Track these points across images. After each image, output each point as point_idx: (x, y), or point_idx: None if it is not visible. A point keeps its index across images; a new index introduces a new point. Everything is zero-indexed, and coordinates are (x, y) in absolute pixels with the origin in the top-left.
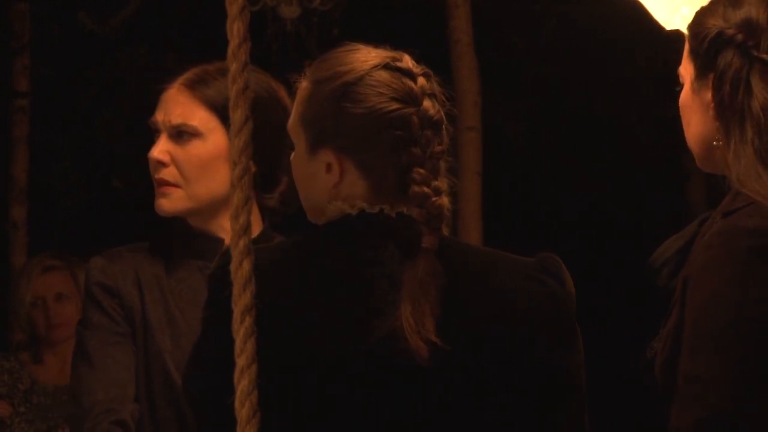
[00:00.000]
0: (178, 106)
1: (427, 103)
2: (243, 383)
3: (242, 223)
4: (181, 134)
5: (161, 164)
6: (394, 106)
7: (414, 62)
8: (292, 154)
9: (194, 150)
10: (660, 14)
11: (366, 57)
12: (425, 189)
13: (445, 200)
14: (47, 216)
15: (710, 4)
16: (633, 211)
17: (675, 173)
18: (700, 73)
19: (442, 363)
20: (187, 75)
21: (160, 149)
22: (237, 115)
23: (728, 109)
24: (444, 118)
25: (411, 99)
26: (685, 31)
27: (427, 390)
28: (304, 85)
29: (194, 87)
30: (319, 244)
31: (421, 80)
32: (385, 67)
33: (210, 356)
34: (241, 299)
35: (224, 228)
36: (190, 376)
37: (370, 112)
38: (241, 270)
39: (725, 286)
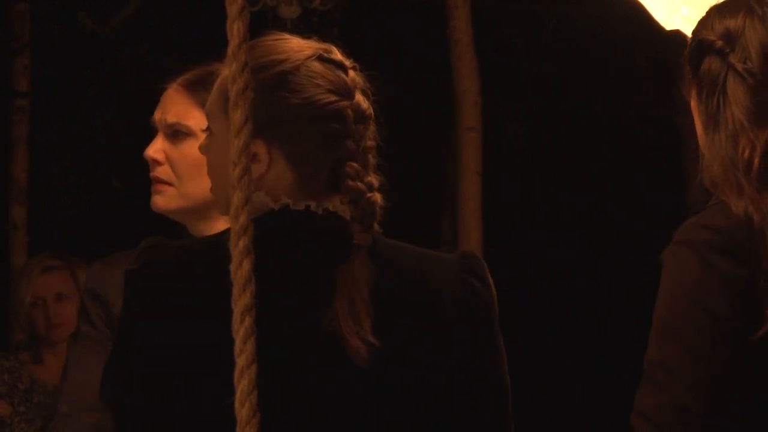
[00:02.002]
0: (175, 105)
1: (359, 97)
2: (243, 383)
3: (242, 223)
4: (177, 133)
5: (156, 162)
6: (331, 98)
7: (343, 55)
8: (205, 141)
9: (188, 149)
10: (660, 14)
11: (300, 47)
12: (359, 184)
13: (377, 196)
14: (47, 216)
15: (706, 15)
16: (633, 211)
17: (675, 173)
18: (691, 80)
19: (379, 363)
20: (186, 75)
21: (156, 148)
22: (237, 115)
23: (704, 114)
24: (373, 113)
25: (345, 92)
26: (684, 30)
27: (365, 390)
28: (226, 72)
29: (191, 87)
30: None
31: (351, 73)
32: (319, 58)
33: (132, 373)
34: (241, 299)
35: (217, 229)
36: (112, 392)
37: (307, 103)
38: (240, 270)
39: (684, 276)
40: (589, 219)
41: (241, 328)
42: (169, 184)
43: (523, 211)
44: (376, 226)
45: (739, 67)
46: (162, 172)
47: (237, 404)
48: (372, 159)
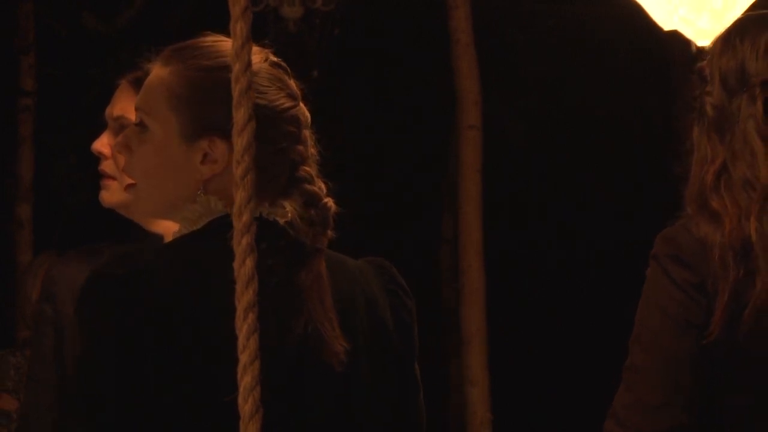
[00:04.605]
0: (121, 101)
1: (302, 103)
2: (246, 379)
3: (245, 222)
4: (122, 127)
5: (102, 155)
6: (290, 103)
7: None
8: (133, 135)
9: None
10: (658, 15)
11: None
12: (314, 188)
13: (331, 201)
14: (52, 214)
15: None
16: (630, 211)
17: (670, 171)
18: None
19: (348, 364)
20: (136, 72)
21: (102, 142)
22: (239, 115)
23: (691, 136)
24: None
25: (296, 97)
26: (682, 31)
27: (339, 389)
28: (171, 69)
29: (138, 84)
30: (202, 245)
31: (293, 80)
32: (270, 62)
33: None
34: (244, 296)
35: (164, 226)
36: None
37: (270, 106)
38: (243, 268)
39: (649, 286)
40: (587, 218)
41: (244, 324)
42: (113, 178)
43: (522, 207)
44: (329, 231)
45: (708, 90)
46: (107, 166)
47: (240, 400)
48: (315, 165)
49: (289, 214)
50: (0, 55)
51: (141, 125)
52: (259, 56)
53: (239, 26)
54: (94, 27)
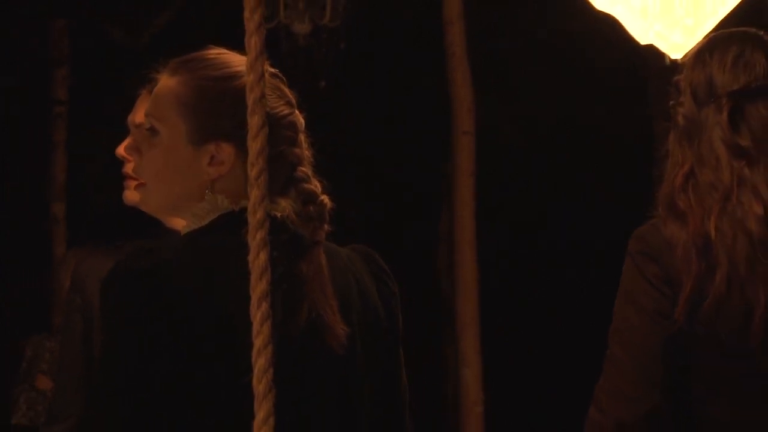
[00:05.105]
0: (142, 109)
1: (297, 110)
2: (260, 362)
3: (259, 218)
4: None
5: (125, 159)
6: (287, 110)
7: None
8: (145, 139)
9: None
10: (635, 30)
11: None
12: (311, 187)
13: (326, 198)
14: (84, 211)
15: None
16: (625, 216)
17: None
18: None
19: (348, 349)
20: (154, 83)
21: (124, 145)
22: (254, 121)
23: (667, 142)
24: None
25: (293, 104)
26: (657, 45)
27: (341, 373)
28: (179, 79)
29: None
30: (212, 240)
31: (289, 89)
32: (269, 73)
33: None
34: (259, 286)
35: (180, 221)
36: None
37: (269, 114)
38: (258, 260)
39: (623, 280)
40: (582, 223)
41: (258, 312)
42: (135, 179)
43: (514, 209)
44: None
45: (680, 101)
46: (130, 168)
47: (255, 381)
48: (310, 166)
49: (287, 210)
50: (35, 67)
51: (152, 130)
52: None
53: (253, 40)
54: (121, 42)
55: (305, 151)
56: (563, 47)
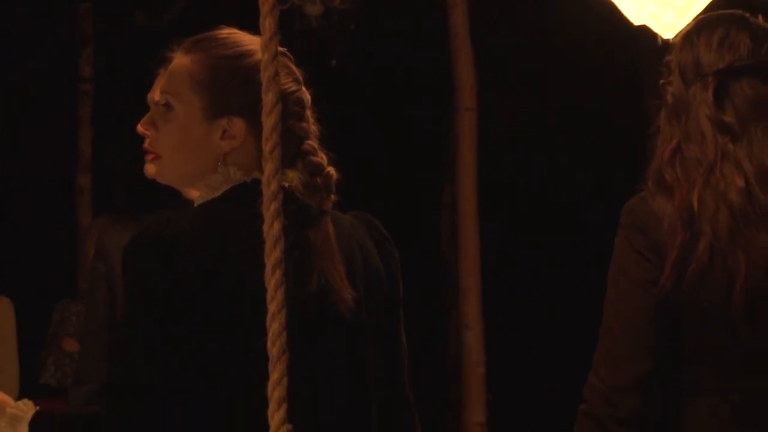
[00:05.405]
0: (159, 85)
1: (304, 88)
2: (274, 326)
3: (273, 190)
4: None
5: (144, 134)
6: (295, 86)
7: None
8: (160, 114)
9: None
10: (628, 11)
11: None
12: (318, 159)
13: (332, 170)
14: (108, 183)
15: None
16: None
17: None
18: None
19: (355, 311)
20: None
21: (142, 121)
22: (269, 98)
23: (657, 120)
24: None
25: (300, 82)
26: (650, 26)
27: (349, 335)
28: (193, 57)
29: None
30: (226, 210)
31: (296, 67)
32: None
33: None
34: (273, 254)
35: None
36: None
37: (281, 90)
38: (272, 229)
39: (615, 252)
40: (569, 182)
41: (272, 279)
42: (153, 153)
43: (513, 177)
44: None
45: (669, 80)
46: (149, 143)
47: (269, 344)
48: (316, 140)
49: (294, 182)
50: (63, 47)
51: (167, 106)
52: None
53: (268, 21)
54: (143, 23)
55: (312, 125)
56: (561, 31)
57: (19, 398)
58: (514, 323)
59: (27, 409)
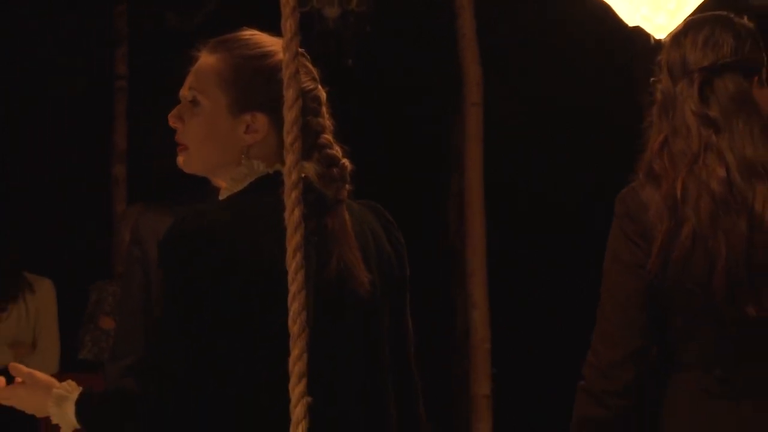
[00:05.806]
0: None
1: (320, 86)
2: (295, 305)
3: (294, 180)
4: None
5: (175, 128)
6: (312, 84)
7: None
8: (187, 109)
9: None
10: (623, 13)
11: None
12: (334, 152)
13: (347, 161)
14: (142, 174)
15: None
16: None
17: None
18: None
19: (371, 293)
20: None
21: (170, 114)
22: (289, 94)
23: (649, 115)
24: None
25: (317, 80)
26: (644, 27)
27: (366, 316)
28: (219, 56)
29: None
30: (252, 201)
31: (314, 66)
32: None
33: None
34: (294, 238)
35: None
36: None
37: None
38: (293, 216)
39: (609, 239)
40: (570, 174)
41: (293, 261)
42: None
43: (516, 170)
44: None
45: (659, 78)
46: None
47: (290, 322)
48: (331, 134)
49: (310, 172)
50: (99, 45)
51: (194, 101)
52: None
53: (288, 23)
54: (174, 23)
55: (327, 120)
56: (560, 32)
57: (58, 372)
58: (519, 301)
59: (71, 389)
